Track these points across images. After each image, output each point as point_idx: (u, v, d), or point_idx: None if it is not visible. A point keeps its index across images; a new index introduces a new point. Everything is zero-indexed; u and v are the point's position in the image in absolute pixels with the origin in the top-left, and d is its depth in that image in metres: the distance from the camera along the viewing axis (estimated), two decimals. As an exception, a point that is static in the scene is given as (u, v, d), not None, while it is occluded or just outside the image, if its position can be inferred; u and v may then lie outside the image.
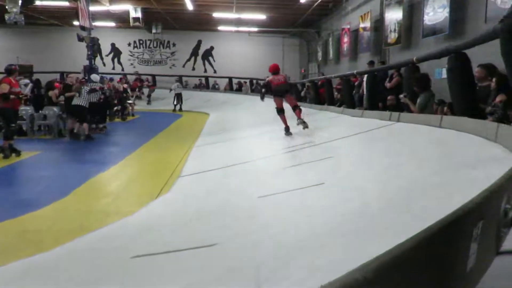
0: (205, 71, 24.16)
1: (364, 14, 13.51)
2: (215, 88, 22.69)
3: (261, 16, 18.73)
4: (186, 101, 19.31)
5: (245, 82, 21.58)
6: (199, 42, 24.15)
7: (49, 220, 4.33)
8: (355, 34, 14.68)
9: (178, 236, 2.86)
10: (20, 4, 9.67)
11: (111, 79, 14.64)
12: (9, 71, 7.41)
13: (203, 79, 22.97)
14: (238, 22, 20.06)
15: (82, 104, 9.57)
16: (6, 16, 10.00)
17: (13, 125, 7.53)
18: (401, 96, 6.42)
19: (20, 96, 7.50)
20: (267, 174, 4.79)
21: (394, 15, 11.04)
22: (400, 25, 10.72)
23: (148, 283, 1.91)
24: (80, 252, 3.02)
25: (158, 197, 4.87)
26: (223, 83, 22.76)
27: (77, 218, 4.37)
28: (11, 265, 3.05)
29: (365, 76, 8.90)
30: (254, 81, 20.99)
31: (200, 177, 5.62)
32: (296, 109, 7.28)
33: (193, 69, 24.17)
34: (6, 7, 9.75)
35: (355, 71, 9.18)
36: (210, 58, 24.35)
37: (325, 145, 5.69)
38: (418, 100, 5.89)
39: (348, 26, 15.23)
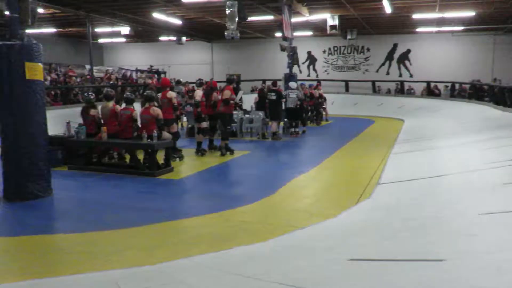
0: (400, 75, 23.12)
1: None
2: (410, 93, 21.50)
3: (469, 13, 16.86)
4: (378, 107, 18.88)
5: (446, 86, 19.80)
6: (395, 46, 23.25)
7: (261, 213, 4.83)
8: None
9: (390, 245, 2.80)
10: (236, 21, 11.11)
11: (310, 86, 15.39)
12: (230, 80, 8.72)
13: (399, 84, 22.07)
14: (440, 22, 18.53)
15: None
16: (226, 33, 11.62)
17: (229, 127, 8.70)
18: None
19: (236, 102, 8.64)
20: (482, 189, 4.28)
21: None
22: None
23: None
24: (294, 247, 3.26)
25: (358, 203, 4.89)
26: (419, 87, 21.40)
27: (284, 215, 4.76)
28: (233, 250, 3.50)
29: None
30: (457, 85, 19.06)
31: (401, 186, 5.41)
32: None
33: (387, 73, 23.43)
34: (226, 25, 11.34)
35: None
36: (406, 62, 23.18)
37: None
38: None
39: None
